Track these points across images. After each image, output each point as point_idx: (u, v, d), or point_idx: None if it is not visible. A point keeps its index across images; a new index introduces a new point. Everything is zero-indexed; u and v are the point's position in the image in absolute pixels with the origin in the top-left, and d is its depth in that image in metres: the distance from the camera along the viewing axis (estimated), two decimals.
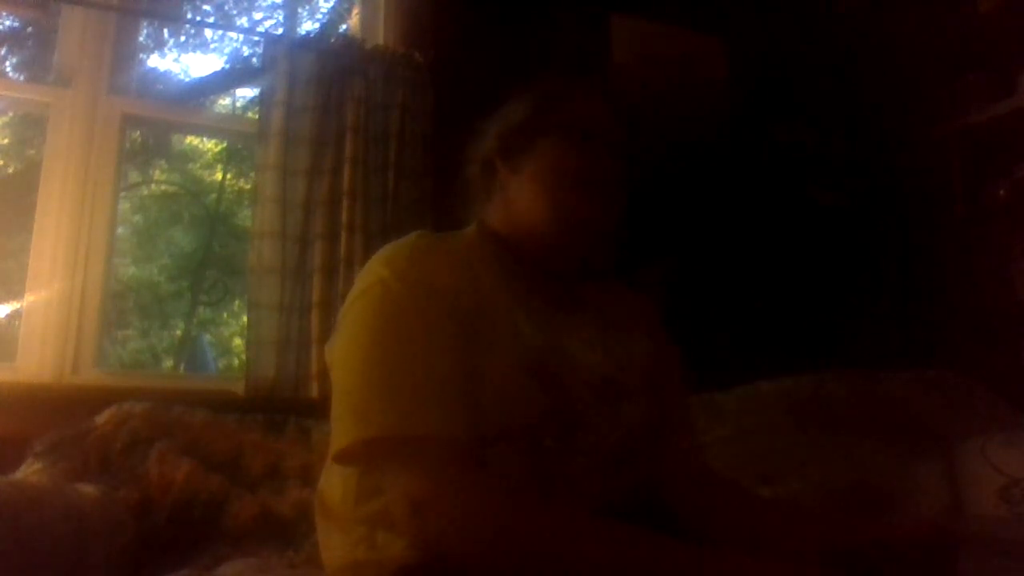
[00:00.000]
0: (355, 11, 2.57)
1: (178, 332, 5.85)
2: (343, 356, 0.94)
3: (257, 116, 2.06)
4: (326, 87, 2.04)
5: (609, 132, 1.06)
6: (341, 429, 0.89)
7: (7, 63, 4.81)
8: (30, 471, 1.46)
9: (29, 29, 4.53)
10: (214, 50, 5.64)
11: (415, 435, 0.85)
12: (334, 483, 1.01)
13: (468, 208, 1.13)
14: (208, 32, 5.54)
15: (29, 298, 1.86)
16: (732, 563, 0.80)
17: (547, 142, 1.05)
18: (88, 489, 1.40)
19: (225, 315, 5.91)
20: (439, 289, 0.93)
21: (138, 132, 4.51)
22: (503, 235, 1.06)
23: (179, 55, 5.69)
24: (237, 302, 5.29)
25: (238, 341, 5.56)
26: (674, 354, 1.18)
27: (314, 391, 1.86)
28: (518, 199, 1.05)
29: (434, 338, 0.90)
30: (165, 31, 5.18)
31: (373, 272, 0.96)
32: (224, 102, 5.37)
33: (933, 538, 0.86)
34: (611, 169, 1.05)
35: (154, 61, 5.35)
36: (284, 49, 2.05)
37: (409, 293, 0.92)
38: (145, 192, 5.84)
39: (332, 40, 2.20)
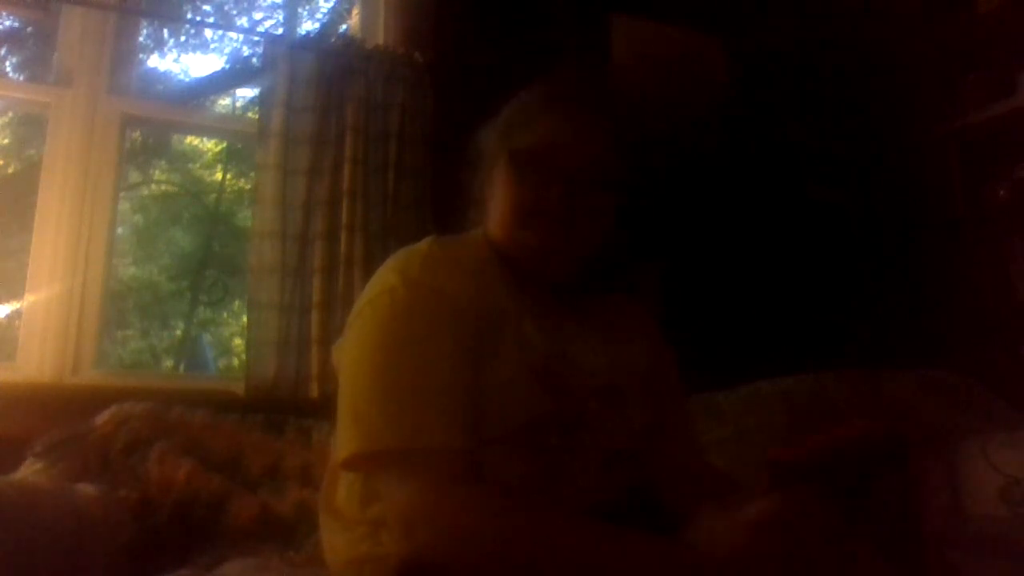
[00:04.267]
0: (355, 11, 2.57)
1: (178, 332, 5.86)
2: (350, 364, 0.94)
3: (257, 116, 2.06)
4: (326, 87, 2.04)
5: (570, 160, 0.99)
6: (344, 438, 0.89)
7: (7, 63, 4.81)
8: (30, 471, 1.46)
9: (29, 29, 4.52)
10: (214, 50, 5.65)
11: (414, 448, 0.85)
12: (338, 485, 1.02)
13: (473, 214, 1.12)
14: (208, 32, 5.55)
15: (29, 298, 1.86)
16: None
17: (501, 165, 1.02)
18: (88, 489, 1.40)
19: (225, 315, 5.91)
20: (449, 297, 0.94)
21: (138, 132, 4.51)
22: (493, 243, 1.06)
23: (179, 55, 5.69)
24: (237, 302, 5.29)
25: (238, 341, 5.56)
26: (671, 356, 1.19)
27: (314, 391, 1.86)
28: (489, 214, 1.05)
29: (440, 348, 0.91)
30: (165, 31, 5.18)
31: (384, 280, 0.96)
32: (224, 102, 5.38)
33: (882, 437, 0.85)
34: (565, 199, 0.98)
35: (154, 61, 5.35)
36: (284, 49, 2.05)
37: (418, 303, 0.93)
38: (145, 192, 5.84)
39: (332, 40, 2.21)
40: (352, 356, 0.94)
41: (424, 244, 1.01)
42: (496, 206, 1.03)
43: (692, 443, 1.17)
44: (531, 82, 1.10)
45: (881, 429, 0.87)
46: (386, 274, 0.97)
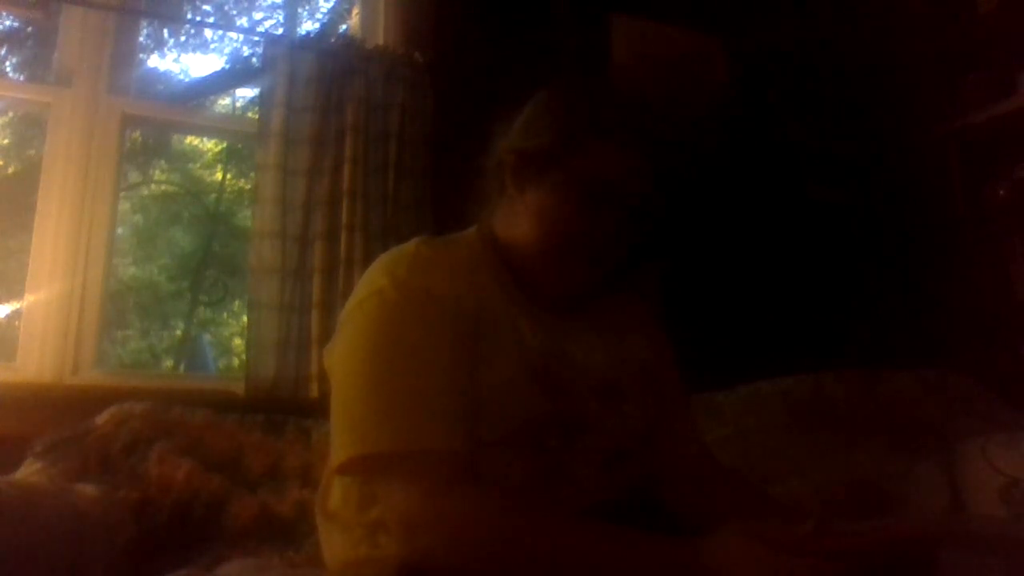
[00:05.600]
0: (355, 11, 2.57)
1: (178, 332, 5.86)
2: (342, 368, 0.94)
3: (257, 116, 2.06)
4: (326, 87, 2.03)
5: (625, 195, 0.99)
6: (340, 443, 0.89)
7: (7, 63, 4.81)
8: (30, 471, 1.45)
9: (29, 29, 4.53)
10: (214, 50, 5.65)
11: (410, 451, 0.85)
12: (336, 488, 1.01)
13: (475, 204, 1.11)
14: (208, 32, 5.55)
15: (29, 298, 1.86)
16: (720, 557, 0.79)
17: (557, 180, 1.00)
18: (88, 489, 1.40)
19: (225, 315, 5.91)
20: (439, 297, 0.93)
21: (138, 132, 4.51)
22: (503, 243, 1.05)
23: (179, 55, 5.69)
24: (237, 302, 5.30)
25: (238, 341, 5.57)
26: (671, 354, 1.18)
27: (314, 391, 1.86)
28: (519, 216, 1.03)
29: (432, 350, 0.90)
30: (165, 31, 5.18)
31: (372, 281, 0.96)
32: (224, 102, 5.38)
33: (909, 544, 0.84)
34: (613, 227, 0.99)
35: (154, 61, 5.36)
36: (284, 49, 2.05)
37: (407, 304, 0.92)
38: (145, 192, 5.85)
39: (332, 40, 2.20)
40: (344, 359, 0.94)
41: (411, 245, 1.00)
42: (541, 220, 1.00)
43: (694, 441, 1.16)
44: (566, 86, 1.08)
45: (910, 538, 0.85)
46: (374, 276, 0.96)
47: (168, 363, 5.75)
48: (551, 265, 1.01)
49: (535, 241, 1.01)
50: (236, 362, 5.57)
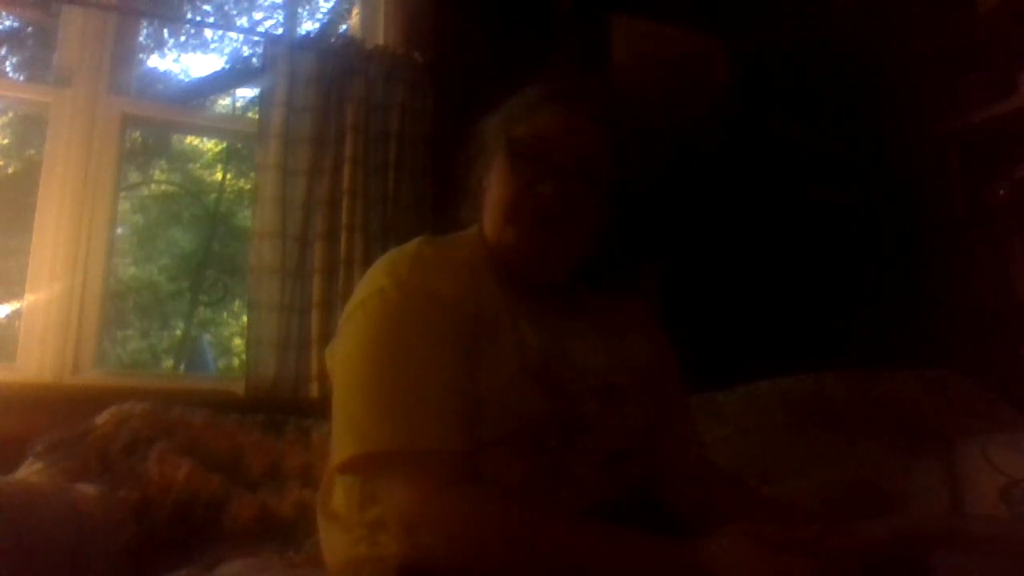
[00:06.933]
0: (355, 11, 2.57)
1: (178, 332, 5.85)
2: (343, 367, 0.94)
3: (257, 116, 2.07)
4: (326, 87, 2.04)
5: (567, 154, 0.98)
6: (341, 442, 0.89)
7: (7, 63, 4.81)
8: (30, 471, 1.46)
9: (29, 29, 4.52)
10: (214, 50, 5.64)
11: (410, 450, 0.85)
12: (337, 487, 1.01)
13: (469, 209, 1.12)
14: (208, 32, 5.55)
15: (29, 298, 1.86)
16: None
17: (499, 158, 1.01)
18: (88, 489, 1.40)
19: (225, 315, 5.91)
20: (440, 297, 0.93)
21: (138, 132, 4.51)
22: (486, 240, 1.05)
23: (179, 55, 5.68)
24: (237, 302, 5.29)
25: (238, 341, 5.56)
26: (671, 355, 1.18)
27: (314, 391, 1.86)
28: (484, 210, 1.04)
29: (433, 349, 0.90)
30: (165, 31, 5.18)
31: (373, 281, 0.96)
32: (224, 102, 5.37)
33: (909, 544, 0.84)
34: (558, 192, 0.96)
35: (154, 61, 5.35)
36: (284, 49, 2.05)
37: (408, 303, 0.92)
38: (145, 192, 5.84)
39: (332, 40, 2.21)
40: (345, 359, 0.94)
41: (413, 245, 1.00)
42: (490, 200, 1.02)
43: (693, 442, 1.17)
44: (532, 80, 1.10)
45: (906, 542, 0.85)
46: (376, 276, 0.96)
47: (168, 363, 5.74)
48: (511, 245, 1.00)
49: (492, 226, 1.01)
50: (236, 362, 5.56)
